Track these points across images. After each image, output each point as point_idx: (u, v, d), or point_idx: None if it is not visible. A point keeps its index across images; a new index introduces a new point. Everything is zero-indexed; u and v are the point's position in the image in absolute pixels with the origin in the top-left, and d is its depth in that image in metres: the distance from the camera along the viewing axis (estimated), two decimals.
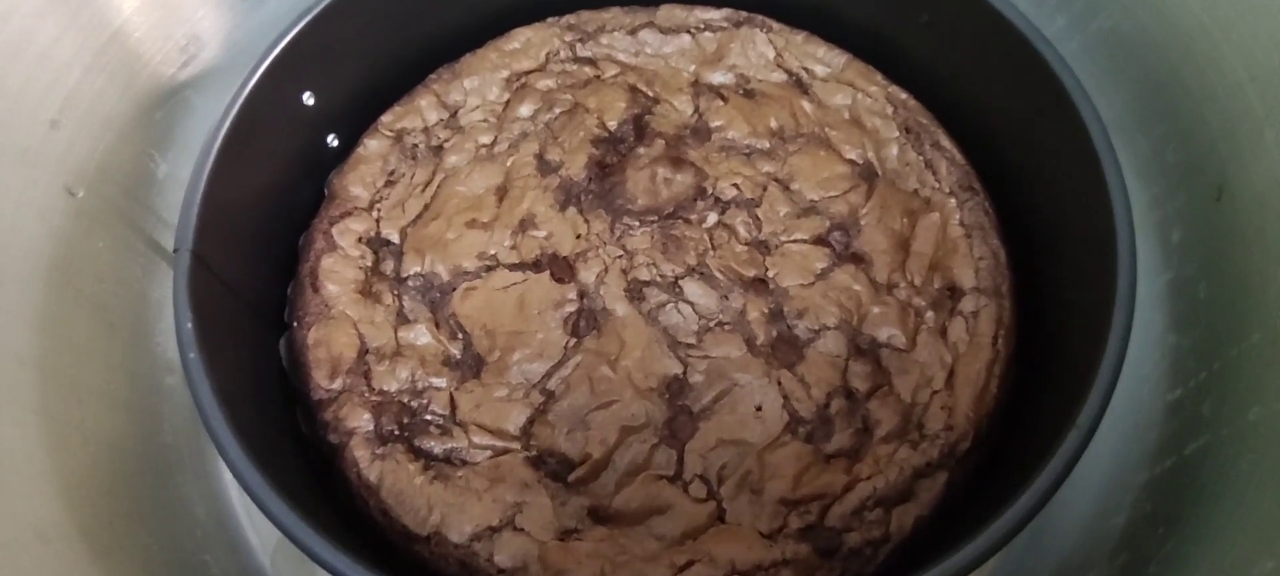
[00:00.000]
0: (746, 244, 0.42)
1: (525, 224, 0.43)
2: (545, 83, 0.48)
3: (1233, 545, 0.30)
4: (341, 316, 0.41)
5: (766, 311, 0.41)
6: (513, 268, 0.42)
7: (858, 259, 0.42)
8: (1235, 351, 0.35)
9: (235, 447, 0.31)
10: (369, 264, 0.43)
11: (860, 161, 0.45)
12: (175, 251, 0.35)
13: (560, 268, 0.42)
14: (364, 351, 0.41)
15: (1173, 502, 0.35)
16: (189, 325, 0.33)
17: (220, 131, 0.37)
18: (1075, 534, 0.40)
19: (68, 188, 0.38)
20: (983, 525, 0.29)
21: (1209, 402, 0.36)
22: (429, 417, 0.39)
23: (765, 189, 0.44)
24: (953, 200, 0.43)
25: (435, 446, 0.39)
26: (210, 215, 0.36)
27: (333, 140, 0.46)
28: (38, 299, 0.37)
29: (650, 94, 0.47)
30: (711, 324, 0.40)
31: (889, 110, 0.46)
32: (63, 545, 0.32)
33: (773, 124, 0.46)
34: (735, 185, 0.44)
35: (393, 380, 0.40)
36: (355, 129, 0.46)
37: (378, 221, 0.45)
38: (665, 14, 0.50)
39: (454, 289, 0.42)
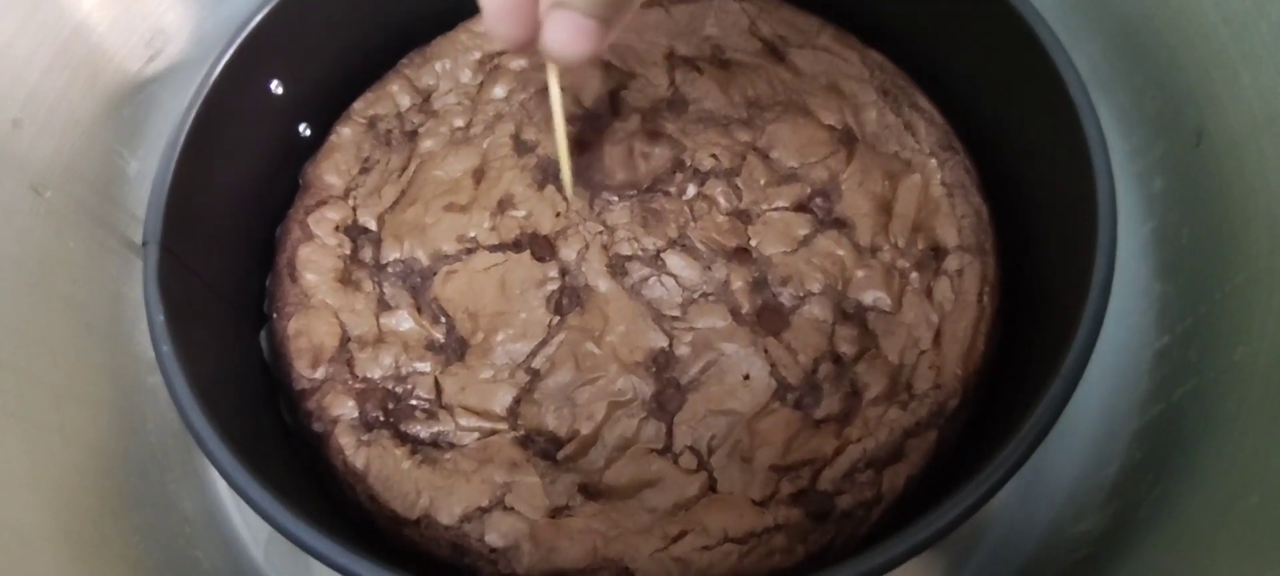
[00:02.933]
0: (727, 214, 0.42)
1: (503, 205, 0.43)
2: (518, 63, 0.48)
3: (1220, 483, 0.30)
4: (321, 305, 0.41)
5: (750, 280, 0.40)
6: (493, 249, 0.42)
7: (840, 223, 0.42)
8: (1219, 294, 0.35)
9: (213, 438, 0.31)
10: (347, 252, 0.43)
11: (839, 126, 0.45)
12: (144, 245, 0.34)
13: (540, 246, 0.42)
14: (346, 339, 0.40)
15: (1162, 448, 0.35)
16: (161, 318, 0.32)
17: (185, 123, 0.37)
18: (1069, 486, 0.40)
19: (34, 187, 0.37)
20: (970, 477, 0.29)
21: (1195, 347, 0.36)
22: (414, 402, 0.39)
23: (744, 158, 0.43)
24: (933, 160, 0.43)
25: (421, 430, 0.38)
26: (179, 207, 0.36)
27: (304, 129, 0.46)
28: (9, 302, 0.36)
29: (624, 69, 0.47)
30: (695, 295, 0.40)
31: (866, 74, 0.46)
32: (44, 545, 0.32)
33: (749, 93, 0.46)
34: (713, 155, 0.43)
35: (376, 367, 0.40)
36: (327, 117, 0.46)
37: (354, 209, 0.44)
38: None
39: (434, 273, 0.42)
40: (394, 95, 0.47)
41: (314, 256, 0.42)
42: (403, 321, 0.41)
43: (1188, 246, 0.38)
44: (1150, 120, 0.42)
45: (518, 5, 0.25)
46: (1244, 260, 0.34)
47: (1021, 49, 0.38)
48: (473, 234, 0.42)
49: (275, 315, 0.41)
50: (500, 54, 0.48)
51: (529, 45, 0.27)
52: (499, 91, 0.47)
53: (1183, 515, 0.31)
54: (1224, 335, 0.34)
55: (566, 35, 0.25)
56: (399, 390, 0.39)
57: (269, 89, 0.43)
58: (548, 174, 0.44)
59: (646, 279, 0.40)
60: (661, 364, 0.39)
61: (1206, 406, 0.33)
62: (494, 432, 0.38)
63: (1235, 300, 0.34)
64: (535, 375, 0.39)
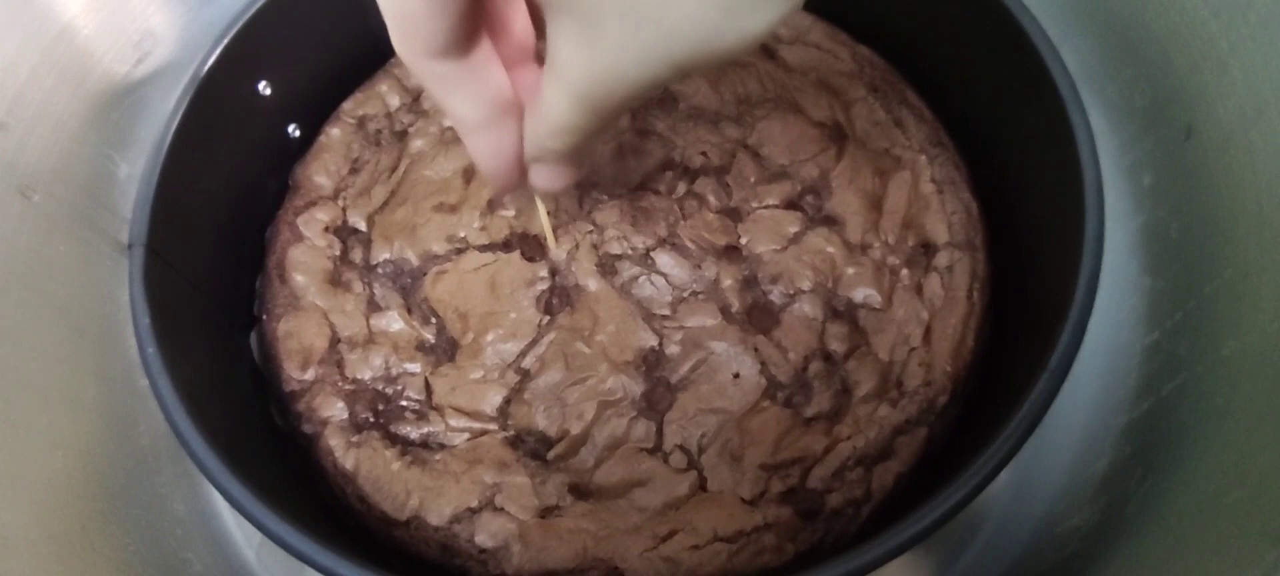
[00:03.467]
0: (717, 212, 0.42)
1: (493, 204, 0.43)
2: None
3: (1207, 478, 0.30)
4: (311, 307, 0.41)
5: (740, 279, 0.40)
6: (482, 249, 0.42)
7: (830, 221, 0.42)
8: (1208, 289, 0.35)
9: (199, 441, 0.31)
10: (337, 253, 0.43)
11: (829, 123, 0.45)
12: (129, 247, 0.34)
13: (530, 246, 0.42)
14: (336, 341, 0.40)
15: (1151, 443, 0.35)
16: (146, 320, 0.32)
17: (171, 125, 0.37)
18: (1059, 482, 0.40)
19: (21, 190, 0.37)
20: (958, 473, 0.29)
21: (1185, 342, 0.36)
22: (404, 403, 0.39)
23: (734, 155, 0.43)
24: (923, 157, 0.43)
25: (411, 431, 0.38)
26: (166, 209, 0.35)
27: (294, 130, 0.46)
28: None
29: None
30: (685, 294, 0.40)
31: (855, 70, 0.46)
32: (29, 549, 0.31)
33: (739, 90, 0.46)
34: (703, 153, 0.43)
35: (366, 368, 0.39)
36: (316, 118, 0.46)
37: (344, 210, 0.44)
38: None
39: (424, 273, 0.42)
40: (383, 95, 0.47)
41: (303, 257, 0.42)
42: (393, 322, 0.41)
43: (1177, 241, 0.38)
44: (1139, 115, 0.41)
45: (507, 166, 0.31)
46: (1233, 255, 0.34)
47: (1010, 45, 0.38)
48: (462, 234, 0.42)
49: (265, 317, 0.41)
50: None
51: (520, 187, 0.33)
52: None
53: (1172, 510, 0.31)
54: (1213, 330, 0.34)
55: (547, 178, 0.32)
56: (389, 391, 0.39)
57: (257, 90, 0.43)
58: None
59: (636, 278, 0.40)
60: (651, 363, 0.39)
61: (1196, 401, 0.33)
62: (484, 433, 0.38)
63: (1225, 295, 0.34)
64: (525, 375, 0.39)
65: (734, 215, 0.42)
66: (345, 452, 0.37)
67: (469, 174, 0.44)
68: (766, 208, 0.42)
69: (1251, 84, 0.35)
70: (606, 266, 0.41)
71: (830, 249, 0.41)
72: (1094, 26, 0.43)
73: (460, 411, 0.38)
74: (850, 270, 0.40)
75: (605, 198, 0.43)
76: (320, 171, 0.45)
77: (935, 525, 0.28)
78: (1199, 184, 0.37)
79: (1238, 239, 0.34)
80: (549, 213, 0.42)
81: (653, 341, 0.39)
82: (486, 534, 0.35)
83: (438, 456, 0.37)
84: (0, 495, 0.32)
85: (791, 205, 0.42)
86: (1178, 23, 0.38)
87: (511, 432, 0.38)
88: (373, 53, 0.47)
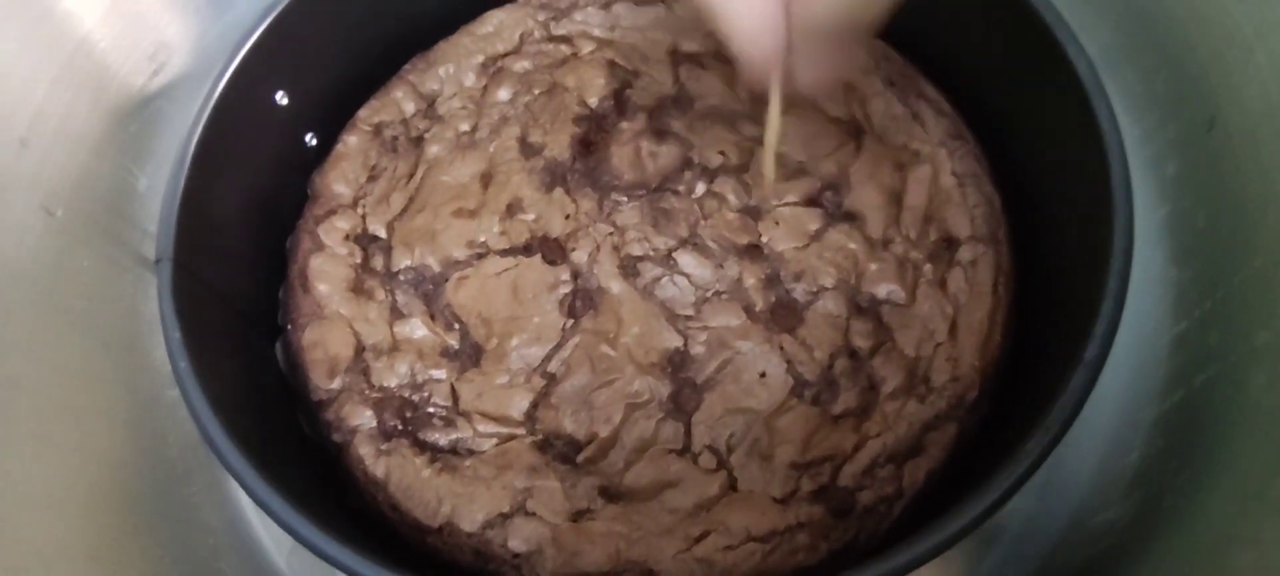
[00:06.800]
0: (737, 211, 0.42)
1: (512, 208, 0.43)
2: (521, 65, 0.47)
3: (1246, 470, 0.30)
4: (335, 315, 0.41)
5: (763, 277, 0.40)
6: (503, 254, 0.42)
7: (851, 217, 0.42)
8: (1238, 278, 0.35)
9: (233, 452, 0.31)
10: (358, 261, 0.43)
11: (846, 119, 0.44)
12: (157, 262, 0.34)
13: (551, 249, 0.42)
14: (361, 349, 0.40)
15: (1184, 435, 0.35)
16: (177, 335, 0.32)
17: (192, 138, 0.37)
18: (1089, 476, 0.40)
19: (44, 207, 0.37)
20: (994, 472, 0.29)
21: (1215, 332, 0.36)
22: (432, 410, 0.39)
23: (752, 154, 0.43)
24: (943, 150, 0.43)
25: (440, 438, 0.38)
26: (190, 222, 0.36)
27: (311, 139, 0.45)
28: (24, 322, 0.36)
29: (629, 67, 0.47)
30: (708, 294, 0.40)
31: (871, 64, 0.45)
32: (67, 566, 0.32)
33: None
34: (721, 152, 0.43)
35: (392, 375, 0.40)
36: (333, 126, 0.46)
37: (363, 217, 0.44)
38: None
39: (446, 279, 0.42)
40: (398, 101, 0.47)
41: (325, 266, 0.42)
42: (416, 329, 0.41)
43: (1204, 230, 0.38)
44: (1161, 102, 0.41)
45: (767, 37, 0.27)
46: (1263, 243, 0.34)
47: (1029, 34, 0.38)
48: (483, 238, 0.42)
49: (290, 327, 0.41)
50: (503, 56, 0.48)
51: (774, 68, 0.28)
52: (503, 94, 0.47)
53: (1210, 502, 0.31)
54: (1245, 320, 0.34)
55: (814, 64, 0.28)
56: (416, 398, 0.39)
57: (274, 100, 0.42)
58: (555, 176, 0.44)
59: (659, 279, 0.40)
60: (677, 364, 0.39)
61: (1229, 392, 0.33)
62: (512, 438, 0.38)
63: (1255, 284, 0.34)
64: (551, 379, 0.39)
65: (754, 213, 0.42)
66: (375, 460, 0.37)
67: (486, 178, 0.44)
68: (786, 205, 0.42)
69: (1278, 69, 0.34)
70: (628, 268, 0.41)
71: (852, 245, 0.41)
72: (1112, 12, 0.43)
73: (487, 416, 0.38)
74: (873, 266, 0.40)
75: (624, 199, 0.43)
76: (339, 180, 0.45)
77: (975, 523, 0.28)
78: (1225, 172, 0.36)
79: (1267, 227, 0.33)
80: (567, 217, 0.42)
81: (678, 342, 0.39)
82: (520, 538, 0.35)
83: (467, 462, 0.37)
84: (39, 515, 0.32)
85: (811, 202, 0.42)
86: (1200, 7, 0.38)
87: (540, 437, 0.38)
88: (388, 60, 0.47)
